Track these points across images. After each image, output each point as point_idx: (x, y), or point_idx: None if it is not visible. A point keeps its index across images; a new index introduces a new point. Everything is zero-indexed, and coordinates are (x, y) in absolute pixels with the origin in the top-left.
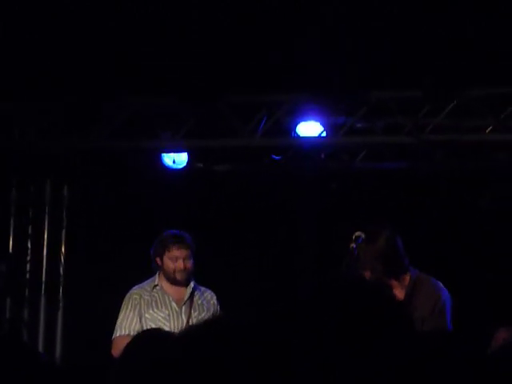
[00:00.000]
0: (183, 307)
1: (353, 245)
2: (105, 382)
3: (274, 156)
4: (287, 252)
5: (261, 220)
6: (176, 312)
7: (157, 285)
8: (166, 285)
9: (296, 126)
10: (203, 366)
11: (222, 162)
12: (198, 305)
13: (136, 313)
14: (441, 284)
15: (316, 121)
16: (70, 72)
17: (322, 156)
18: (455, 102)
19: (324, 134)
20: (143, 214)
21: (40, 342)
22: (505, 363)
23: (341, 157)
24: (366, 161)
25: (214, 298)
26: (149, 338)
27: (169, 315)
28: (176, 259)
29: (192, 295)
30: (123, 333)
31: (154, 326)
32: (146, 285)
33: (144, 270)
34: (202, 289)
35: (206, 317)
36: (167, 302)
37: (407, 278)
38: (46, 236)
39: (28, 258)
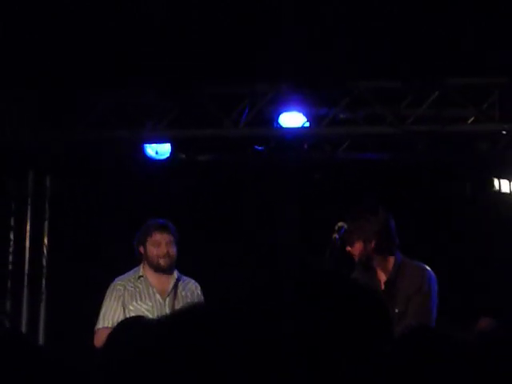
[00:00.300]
0: (167, 299)
1: (335, 235)
2: (88, 372)
3: (256, 146)
4: (271, 242)
5: (244, 210)
6: (160, 304)
7: (141, 276)
8: (150, 275)
9: (279, 116)
10: (187, 353)
11: (205, 153)
12: (182, 296)
13: (119, 304)
14: (426, 266)
15: (299, 111)
16: (51, 62)
17: (305, 146)
18: (437, 92)
19: (307, 125)
20: (126, 204)
21: None
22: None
23: (323, 147)
24: (349, 151)
25: (198, 288)
26: (131, 326)
27: (152, 307)
28: (159, 245)
29: (176, 286)
30: (106, 324)
31: None
32: (130, 275)
33: (127, 261)
34: (186, 279)
35: None
36: (151, 293)
37: (392, 260)
38: (28, 228)
39: (10, 249)
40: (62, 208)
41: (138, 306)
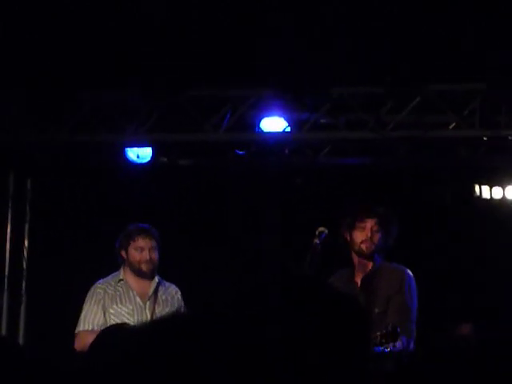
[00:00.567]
0: (147, 302)
1: (316, 240)
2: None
3: (237, 151)
4: (252, 246)
5: (225, 214)
6: (140, 307)
7: (121, 279)
8: (130, 279)
9: (260, 121)
10: (172, 359)
11: (187, 157)
12: (163, 300)
13: (100, 307)
14: (404, 267)
15: (280, 116)
16: (33, 65)
17: (286, 151)
18: (418, 98)
19: (288, 130)
20: (107, 208)
21: None
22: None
23: (305, 152)
24: (330, 156)
25: (179, 293)
26: (115, 333)
27: (133, 310)
28: (141, 250)
29: (156, 290)
30: (86, 327)
31: (117, 320)
32: (111, 279)
33: (108, 265)
34: (167, 284)
35: (170, 312)
36: (131, 296)
37: (371, 263)
38: (8, 230)
39: None
40: (43, 211)
41: (119, 309)
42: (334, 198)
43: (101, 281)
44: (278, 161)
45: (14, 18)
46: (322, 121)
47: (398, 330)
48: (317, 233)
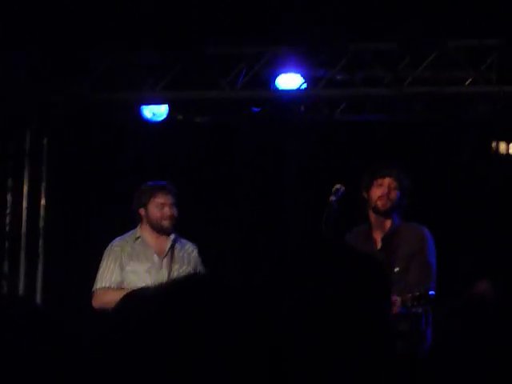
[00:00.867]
0: (164, 260)
1: (332, 197)
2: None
3: (253, 108)
4: (267, 204)
5: (241, 172)
6: (157, 264)
7: (139, 237)
8: (148, 236)
9: (276, 78)
10: (184, 320)
11: (202, 114)
12: (179, 257)
13: (117, 265)
14: (423, 226)
15: (296, 73)
16: (50, 22)
17: (302, 108)
18: (435, 53)
19: (304, 87)
20: (123, 166)
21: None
22: None
23: (320, 109)
24: (346, 113)
25: (196, 250)
26: (135, 298)
27: (150, 268)
28: (162, 206)
29: (173, 248)
30: (104, 285)
31: (135, 278)
32: (128, 237)
33: (124, 222)
34: (183, 241)
35: (187, 269)
36: (149, 254)
37: (389, 220)
38: (25, 189)
39: (7, 210)
40: (59, 169)
41: (136, 267)
42: (350, 155)
43: (117, 239)
44: (293, 118)
45: None
46: (338, 77)
47: (432, 293)
48: (333, 190)
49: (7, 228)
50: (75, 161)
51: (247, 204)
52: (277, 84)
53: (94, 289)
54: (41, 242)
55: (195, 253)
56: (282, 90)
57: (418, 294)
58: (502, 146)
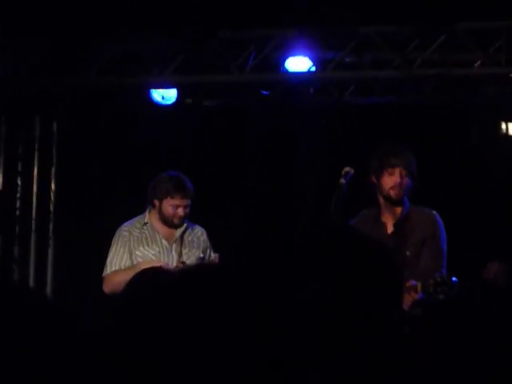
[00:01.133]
0: (174, 244)
1: (342, 180)
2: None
3: (263, 91)
4: (277, 186)
5: (251, 155)
6: (166, 249)
7: (146, 222)
8: (156, 223)
9: (285, 60)
10: (197, 304)
11: (211, 98)
12: (189, 241)
13: (126, 249)
14: (434, 211)
15: (305, 56)
16: (59, 8)
17: (311, 91)
18: (444, 36)
19: (313, 69)
20: (133, 150)
21: (31, 280)
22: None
23: (330, 91)
24: (355, 95)
25: (205, 234)
26: (149, 276)
27: (159, 252)
28: (177, 207)
29: (182, 232)
30: (114, 269)
31: None
32: (136, 221)
33: (134, 207)
34: (192, 225)
35: (197, 253)
36: (157, 239)
37: (400, 207)
38: (35, 173)
39: (18, 195)
40: (69, 153)
41: (145, 251)
42: (360, 138)
43: (126, 224)
44: (303, 100)
45: None
46: (346, 60)
47: (455, 279)
48: (343, 172)
49: (17, 212)
50: (84, 146)
51: (257, 187)
52: (286, 67)
53: (104, 274)
54: (51, 227)
55: (204, 236)
56: (291, 73)
57: (439, 279)
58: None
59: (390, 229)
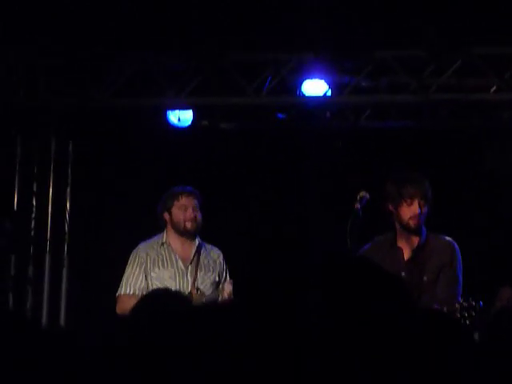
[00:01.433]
0: (189, 267)
1: (357, 205)
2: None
3: (279, 114)
4: (293, 210)
5: (266, 178)
6: (182, 271)
7: (164, 242)
8: (173, 241)
9: (301, 84)
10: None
11: (228, 120)
12: (204, 264)
13: (142, 270)
14: (451, 239)
15: (321, 79)
16: (75, 29)
17: (328, 115)
18: (460, 61)
19: (329, 93)
20: (148, 172)
21: (44, 301)
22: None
23: (346, 115)
24: (371, 119)
25: (221, 256)
26: (157, 299)
27: (174, 274)
28: (185, 208)
29: (198, 254)
30: (128, 291)
31: (159, 284)
32: (154, 242)
33: (149, 228)
34: (209, 247)
35: (212, 276)
36: (174, 260)
37: (418, 236)
38: (50, 193)
39: (33, 215)
40: (85, 174)
41: (161, 273)
42: (376, 162)
43: (143, 243)
44: (319, 124)
45: None
46: (363, 84)
47: (482, 304)
48: (358, 197)
49: (32, 233)
50: (100, 166)
51: (272, 210)
52: (302, 90)
53: (118, 293)
54: (66, 247)
55: (220, 259)
56: (308, 97)
57: (466, 304)
58: None
59: (406, 255)
